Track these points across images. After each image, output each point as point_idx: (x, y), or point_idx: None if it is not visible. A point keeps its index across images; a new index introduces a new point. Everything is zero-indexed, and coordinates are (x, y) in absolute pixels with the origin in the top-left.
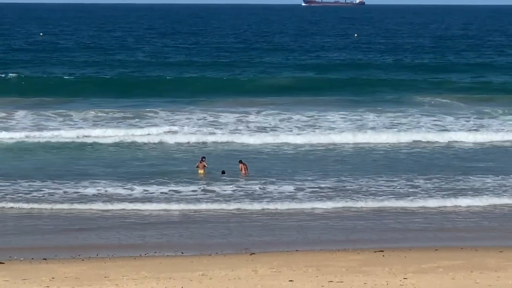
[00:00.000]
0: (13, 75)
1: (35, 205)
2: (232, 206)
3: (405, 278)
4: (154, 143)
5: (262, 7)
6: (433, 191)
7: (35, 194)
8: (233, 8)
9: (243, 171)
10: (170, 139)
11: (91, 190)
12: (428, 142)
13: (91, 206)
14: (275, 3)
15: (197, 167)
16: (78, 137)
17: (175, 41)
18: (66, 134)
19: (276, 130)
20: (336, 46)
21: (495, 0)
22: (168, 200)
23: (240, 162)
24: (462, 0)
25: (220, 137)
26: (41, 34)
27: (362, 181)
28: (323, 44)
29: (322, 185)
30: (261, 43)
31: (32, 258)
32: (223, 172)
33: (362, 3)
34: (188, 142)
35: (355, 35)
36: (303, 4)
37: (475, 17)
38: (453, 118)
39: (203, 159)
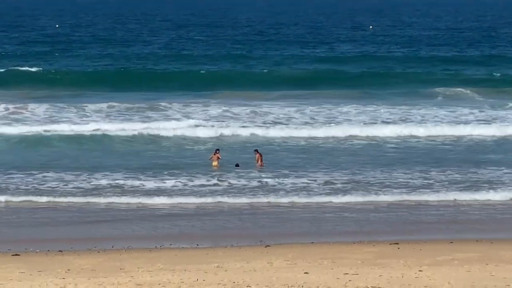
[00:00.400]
0: (31, 69)
1: (50, 198)
2: (246, 199)
3: (420, 271)
4: (168, 136)
5: None
6: (447, 183)
7: (50, 185)
8: None
9: (258, 162)
10: (185, 132)
11: (104, 182)
12: (442, 135)
13: (106, 199)
14: None
15: (211, 159)
16: (93, 130)
17: (191, 33)
18: (81, 128)
19: (290, 123)
20: (352, 38)
21: None
22: (182, 192)
23: (256, 151)
24: None
25: (235, 130)
26: (57, 25)
27: (375, 174)
28: (338, 36)
29: (336, 178)
30: (276, 35)
31: (48, 250)
32: (237, 165)
33: None
34: (203, 135)
35: (370, 27)
36: None
37: (490, 8)
38: (468, 110)
39: (217, 151)
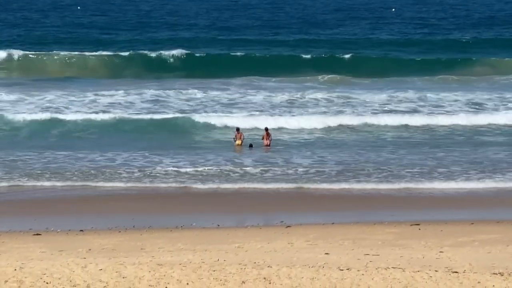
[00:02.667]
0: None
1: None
2: (268, 185)
3: (441, 252)
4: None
5: None
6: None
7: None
8: None
9: (266, 141)
10: (217, 121)
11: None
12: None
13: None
14: None
15: (234, 138)
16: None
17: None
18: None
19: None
20: (377, 24)
21: None
22: (203, 176)
23: (266, 130)
24: None
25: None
26: (78, 7)
27: (400, 158)
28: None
29: (362, 161)
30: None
31: (69, 230)
32: (250, 146)
33: None
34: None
35: (393, 9)
36: None
37: None
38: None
39: (238, 130)
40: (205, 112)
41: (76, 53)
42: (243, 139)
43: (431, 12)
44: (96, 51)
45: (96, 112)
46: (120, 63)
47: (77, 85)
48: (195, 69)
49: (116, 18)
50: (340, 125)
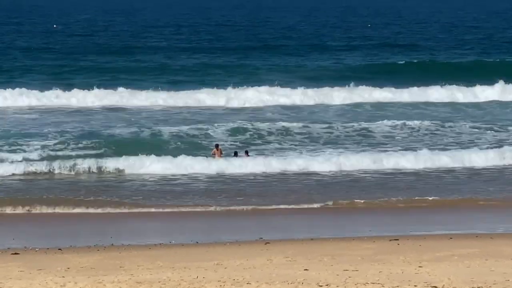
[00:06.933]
0: None
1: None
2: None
3: (420, 267)
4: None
5: None
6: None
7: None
8: None
9: (217, 157)
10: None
11: None
12: None
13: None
14: None
15: (213, 155)
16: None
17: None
18: None
19: None
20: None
21: None
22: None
23: (216, 146)
24: None
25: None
26: (54, 26)
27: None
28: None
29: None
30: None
31: (48, 248)
32: (246, 152)
33: None
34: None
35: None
36: None
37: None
38: None
39: (218, 146)
40: None
41: None
42: (222, 155)
43: None
44: None
45: None
46: None
47: None
48: None
49: None
50: None
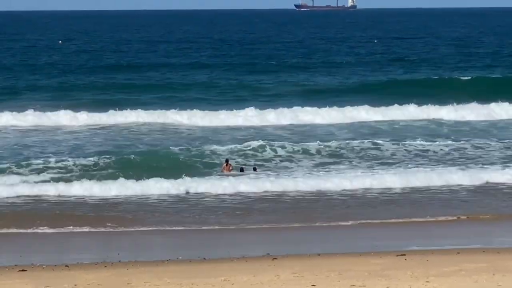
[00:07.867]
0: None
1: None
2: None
3: (428, 282)
4: None
5: (253, 12)
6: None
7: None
8: (228, 14)
9: (226, 172)
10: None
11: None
12: None
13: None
14: (265, 8)
15: (223, 170)
16: None
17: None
18: None
19: None
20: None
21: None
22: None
23: (226, 161)
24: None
25: None
26: (60, 41)
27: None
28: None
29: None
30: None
31: (55, 265)
32: (254, 169)
33: (354, 7)
34: None
35: (375, 41)
36: (296, 9)
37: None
38: None
39: (228, 162)
40: None
41: None
42: (232, 169)
43: None
44: None
45: None
46: None
47: None
48: None
49: None
50: None
